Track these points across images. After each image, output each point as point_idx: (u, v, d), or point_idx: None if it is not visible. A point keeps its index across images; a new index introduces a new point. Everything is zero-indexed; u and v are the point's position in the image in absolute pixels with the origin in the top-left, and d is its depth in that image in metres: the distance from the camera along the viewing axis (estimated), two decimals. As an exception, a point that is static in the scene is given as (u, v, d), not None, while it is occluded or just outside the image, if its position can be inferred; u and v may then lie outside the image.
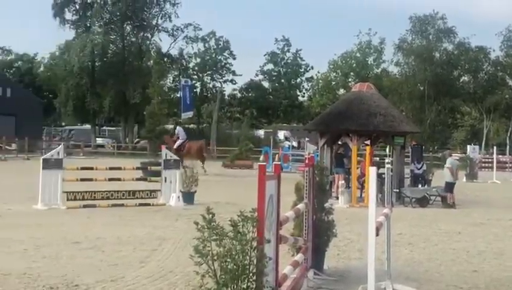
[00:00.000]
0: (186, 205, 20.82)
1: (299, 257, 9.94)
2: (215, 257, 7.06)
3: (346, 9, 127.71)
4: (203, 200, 20.66)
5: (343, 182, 23.63)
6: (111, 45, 72.02)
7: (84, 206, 19.73)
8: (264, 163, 7.69)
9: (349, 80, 77.02)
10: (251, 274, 7.08)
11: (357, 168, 24.90)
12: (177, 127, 38.40)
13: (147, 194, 21.33)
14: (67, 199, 19.77)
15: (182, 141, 37.22)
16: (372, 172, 8.20)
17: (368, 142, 25.81)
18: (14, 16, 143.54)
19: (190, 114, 65.62)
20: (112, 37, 71.67)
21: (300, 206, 10.09)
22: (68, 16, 71.38)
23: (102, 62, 70.99)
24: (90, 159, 48.88)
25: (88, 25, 71.26)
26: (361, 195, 24.05)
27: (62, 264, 11.68)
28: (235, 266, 7.05)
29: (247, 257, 7.06)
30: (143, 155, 46.43)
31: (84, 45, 66.68)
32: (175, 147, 35.91)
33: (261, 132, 73.69)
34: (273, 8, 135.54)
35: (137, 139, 71.97)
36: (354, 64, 78.66)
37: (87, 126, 78.04)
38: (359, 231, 15.44)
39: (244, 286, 7.04)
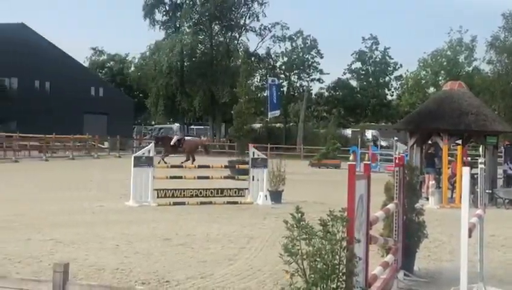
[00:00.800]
0: (273, 204, 20.84)
1: (389, 257, 9.82)
2: (305, 256, 7.04)
3: (436, 7, 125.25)
4: (290, 199, 20.66)
5: (433, 182, 23.24)
6: (199, 45, 72.93)
7: (174, 203, 20.03)
8: (354, 162, 7.64)
9: (440, 78, 75.45)
10: (341, 274, 7.03)
11: (448, 168, 24.41)
12: (174, 125, 40.63)
13: (235, 193, 21.46)
14: (158, 197, 20.12)
15: (178, 138, 39.87)
16: (465, 172, 8.02)
17: (459, 141, 25.26)
18: (106, 17, 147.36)
19: (276, 113, 66.10)
20: (200, 37, 72.55)
21: (390, 206, 9.96)
22: (158, 16, 72.74)
23: (191, 62, 71.92)
24: (178, 158, 49.53)
25: (177, 25, 72.33)
26: (452, 196, 23.58)
27: (153, 260, 11.90)
28: (324, 266, 7.02)
29: (337, 257, 7.02)
30: (230, 154, 46.79)
31: (173, 45, 67.71)
32: (171, 143, 39.24)
33: (348, 131, 73.15)
34: (361, 6, 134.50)
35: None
36: (445, 63, 77.06)
37: (176, 125, 79.21)
38: (450, 232, 15.15)
39: (334, 286, 7.00)
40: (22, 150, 44.61)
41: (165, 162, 35.64)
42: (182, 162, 35.09)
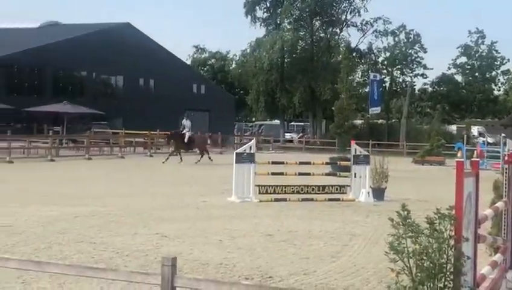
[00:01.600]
0: (376, 201, 20.61)
1: (497, 257, 9.56)
2: (411, 255, 6.95)
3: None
4: (393, 197, 20.43)
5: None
6: (300, 41, 72.86)
7: (275, 199, 20.09)
8: (462, 159, 7.48)
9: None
10: (448, 273, 6.91)
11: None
12: (184, 120, 38.60)
13: (337, 189, 21.30)
14: (259, 193, 20.25)
15: (190, 134, 37.98)
16: None
17: None
18: (207, 15, 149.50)
19: (378, 109, 65.39)
20: (301, 33, 72.49)
21: (499, 204, 9.69)
22: (259, 14, 73.13)
23: (292, 58, 72.00)
24: (279, 154, 49.79)
25: (278, 22, 72.55)
26: None
27: (256, 255, 12.01)
28: (431, 264, 6.91)
29: (444, 256, 6.90)
30: (332, 150, 46.63)
31: (274, 42, 67.99)
32: (186, 140, 37.32)
33: (453, 127, 71.62)
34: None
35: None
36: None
37: (276, 121, 79.56)
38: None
39: (441, 285, 6.89)
40: (127, 146, 45.82)
41: (181, 158, 36.56)
42: (199, 160, 36.60)
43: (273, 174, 21.27)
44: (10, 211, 16.42)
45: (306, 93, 69.89)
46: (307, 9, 70.20)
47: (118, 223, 15.10)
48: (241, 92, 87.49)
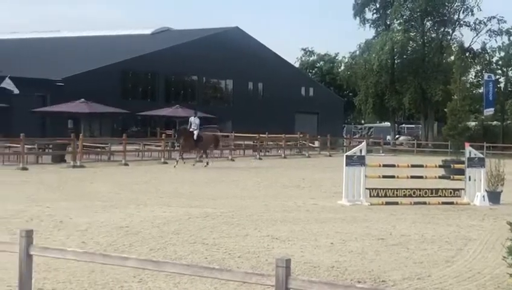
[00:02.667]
0: (491, 205, 20.04)
1: None
2: (532, 260, 6.76)
3: None
4: (509, 201, 19.86)
5: None
6: (410, 42, 71.82)
7: (386, 203, 19.86)
8: None
9: None
10: None
11: None
12: (192, 118, 35.79)
13: (450, 193, 20.86)
14: (370, 196, 20.08)
15: (199, 132, 35.44)
16: None
17: None
18: (315, 18, 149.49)
19: (492, 110, 63.65)
20: (411, 34, 71.46)
21: None
22: (368, 15, 72.62)
23: (402, 59, 71.11)
24: (389, 157, 49.18)
25: (387, 23, 71.81)
26: None
27: (368, 259, 11.90)
28: (553, 270, 6.69)
29: None
30: (444, 153, 45.69)
31: (383, 43, 67.27)
32: (195, 138, 34.72)
33: None
34: None
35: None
36: None
37: (386, 124, 78.68)
38: None
39: None
40: (237, 149, 46.35)
41: (183, 159, 34.35)
42: (207, 162, 35.00)
43: (384, 177, 21.09)
44: (127, 212, 16.92)
45: (417, 94, 68.77)
46: (418, 10, 69.11)
47: (229, 224, 15.29)
48: (350, 94, 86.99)
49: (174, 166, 32.92)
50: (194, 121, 35.29)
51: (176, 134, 35.93)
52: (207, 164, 34.68)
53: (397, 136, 73.86)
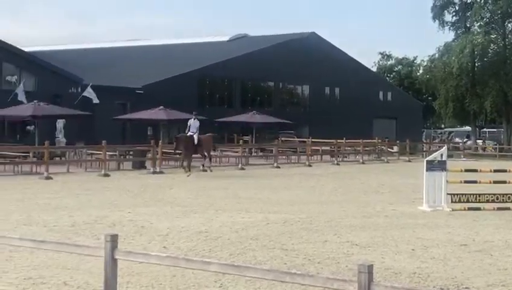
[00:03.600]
0: None
1: None
2: None
3: None
4: None
5: None
6: (491, 45, 70.21)
7: (469, 208, 19.51)
8: None
9: None
10: None
11: None
12: (192, 120, 31.79)
13: (536, 199, 20.40)
14: (451, 201, 19.75)
15: (198, 136, 31.43)
16: None
17: None
18: (393, 21, 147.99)
19: None
20: (492, 36, 69.86)
21: None
22: (447, 17, 71.24)
23: (483, 62, 69.56)
24: (471, 162, 48.19)
25: (467, 25, 70.42)
26: None
27: (450, 265, 11.72)
28: None
29: None
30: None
31: (463, 46, 65.98)
32: (196, 142, 30.94)
33: None
34: None
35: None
36: None
37: (467, 128, 77.17)
38: None
39: None
40: (314, 154, 46.21)
41: (189, 168, 30.55)
42: (209, 166, 32.61)
43: (465, 182, 20.72)
44: (206, 217, 17.10)
45: (498, 98, 67.18)
46: (499, 12, 67.57)
47: (308, 230, 15.28)
48: (429, 98, 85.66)
49: (188, 175, 29.80)
50: (194, 124, 31.56)
51: (175, 141, 31.88)
52: (211, 170, 32.53)
53: (465, 139, 72.30)
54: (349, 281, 5.94)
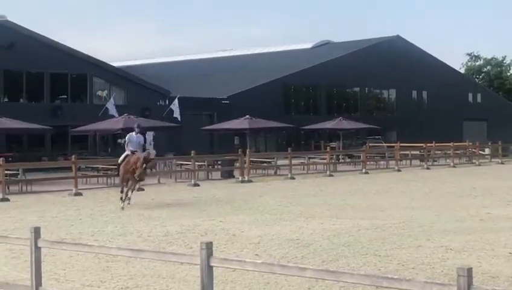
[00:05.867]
0: None
1: None
2: None
3: None
4: None
5: None
6: None
7: None
8: None
9: None
10: None
11: None
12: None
13: None
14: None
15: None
16: None
17: None
18: (480, 21, 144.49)
19: None
20: None
21: None
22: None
23: None
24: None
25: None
26: None
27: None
28: None
29: None
30: None
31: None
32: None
33: None
34: None
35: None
36: None
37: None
38: None
39: None
40: (403, 159, 45.62)
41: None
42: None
43: None
44: (297, 225, 17.12)
45: None
46: None
47: (400, 235, 15.11)
48: None
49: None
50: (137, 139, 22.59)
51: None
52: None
53: None
54: (448, 284, 5.87)
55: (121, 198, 21.31)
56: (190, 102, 47.35)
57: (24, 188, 28.22)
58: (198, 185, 30.43)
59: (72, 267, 11.82)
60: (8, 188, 26.48)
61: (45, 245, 8.98)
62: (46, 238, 9.45)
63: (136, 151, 21.75)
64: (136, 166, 21.11)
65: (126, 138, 22.36)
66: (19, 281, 10.06)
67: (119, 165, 22.14)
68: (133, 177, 21.35)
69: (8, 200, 24.50)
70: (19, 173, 29.23)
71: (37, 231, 8.70)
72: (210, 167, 36.60)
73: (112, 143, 45.60)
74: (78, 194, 26.23)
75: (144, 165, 21.22)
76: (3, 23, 43.32)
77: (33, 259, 8.67)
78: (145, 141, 23.66)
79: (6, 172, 26.75)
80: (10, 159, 32.00)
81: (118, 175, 22.81)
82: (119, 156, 22.66)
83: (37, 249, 8.69)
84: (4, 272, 11.40)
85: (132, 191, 21.89)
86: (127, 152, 21.88)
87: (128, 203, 21.29)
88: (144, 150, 23.42)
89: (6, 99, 44.33)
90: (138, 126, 22.72)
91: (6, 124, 34.12)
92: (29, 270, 8.78)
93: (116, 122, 38.06)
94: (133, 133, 22.19)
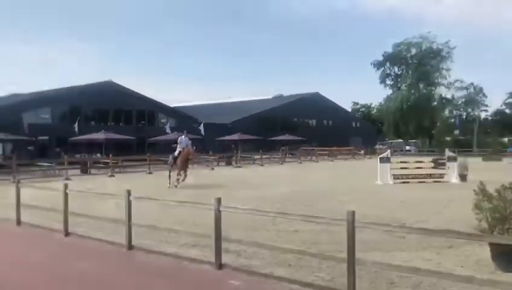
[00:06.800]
0: (461, 182, 18.99)
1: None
2: (487, 210, 6.55)
3: None
4: (472, 179, 18.61)
5: None
6: (412, 96, 67.56)
7: (403, 182, 19.04)
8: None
9: None
10: (510, 220, 6.42)
11: None
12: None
13: (438, 176, 19.98)
14: (393, 178, 19.28)
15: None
16: None
17: None
18: (359, 83, 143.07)
19: (458, 131, 59.59)
20: (412, 91, 67.31)
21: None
22: (388, 82, 69.44)
23: (407, 105, 66.76)
24: (403, 157, 46.98)
25: (398, 86, 68.56)
26: None
27: (394, 212, 11.49)
28: (500, 216, 6.46)
29: (508, 210, 6.42)
30: (434, 154, 43.23)
31: (397, 96, 64.43)
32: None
33: (505, 139, 63.18)
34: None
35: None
36: None
37: (400, 140, 75.07)
38: None
39: (506, 227, 6.41)
40: (319, 156, 44.13)
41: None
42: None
43: (401, 168, 20.37)
44: (263, 190, 16.80)
45: (416, 123, 64.82)
46: (415, 78, 65.50)
47: (317, 195, 14.90)
48: (379, 124, 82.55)
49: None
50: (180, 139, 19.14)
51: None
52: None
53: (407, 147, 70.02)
54: (343, 219, 6.01)
55: (178, 179, 17.87)
56: (210, 125, 47.11)
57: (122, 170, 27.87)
58: (213, 169, 30.18)
59: (145, 211, 11.67)
60: (114, 169, 26.01)
61: (133, 200, 8.91)
62: (134, 195, 9.44)
63: (184, 148, 18.56)
64: (190, 157, 18.41)
65: (178, 140, 19.25)
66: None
67: (175, 157, 18.55)
68: (187, 165, 18.54)
69: (113, 176, 24.16)
70: (119, 162, 28.64)
71: (129, 192, 8.21)
72: (219, 159, 36.19)
73: (170, 148, 45.00)
74: (149, 173, 25.88)
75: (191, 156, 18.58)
76: (110, 83, 43.28)
77: (126, 207, 8.19)
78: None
79: (113, 162, 26.47)
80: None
81: (175, 164, 18.51)
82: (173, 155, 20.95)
83: (129, 201, 8.14)
84: (110, 214, 11.38)
85: (185, 175, 18.18)
86: (179, 149, 18.59)
87: (177, 185, 17.59)
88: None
89: (112, 123, 43.88)
90: (186, 132, 19.77)
91: (114, 136, 34.12)
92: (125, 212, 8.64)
93: (171, 136, 38.24)
94: (183, 136, 19.22)
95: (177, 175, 18.17)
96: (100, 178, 22.75)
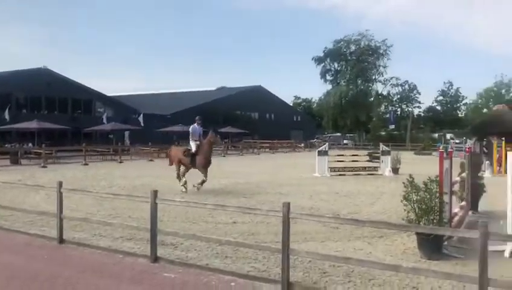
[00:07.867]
0: (394, 175, 19.86)
1: (463, 203, 9.18)
2: (415, 202, 6.86)
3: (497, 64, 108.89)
4: (403, 172, 19.54)
5: (488, 162, 21.01)
6: (350, 91, 69.41)
7: (339, 175, 19.55)
8: (442, 150, 7.29)
9: (490, 104, 67.51)
10: (436, 211, 6.77)
11: (497, 153, 21.90)
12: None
13: (372, 169, 20.78)
14: (330, 171, 19.75)
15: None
16: (509, 155, 7.26)
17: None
18: (300, 77, 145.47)
19: (393, 126, 62.67)
20: (350, 86, 69.40)
21: (463, 175, 9.31)
22: (328, 77, 70.69)
23: (345, 100, 68.71)
24: (340, 151, 48.54)
25: (338, 81, 70.12)
26: (499, 169, 21.14)
27: (330, 203, 11.85)
28: (426, 207, 6.79)
29: (433, 202, 6.76)
30: (369, 148, 45.11)
31: (336, 91, 65.94)
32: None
33: (435, 135, 67.43)
34: (443, 60, 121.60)
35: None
36: (493, 94, 68.69)
37: (338, 134, 77.35)
38: (498, 190, 13.63)
39: (432, 218, 6.75)
40: (261, 148, 44.59)
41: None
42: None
43: (337, 161, 20.94)
44: (216, 180, 16.65)
45: (354, 118, 67.17)
46: (354, 74, 67.74)
47: (257, 187, 14.97)
48: (319, 119, 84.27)
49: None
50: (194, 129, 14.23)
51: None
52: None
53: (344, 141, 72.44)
54: (279, 211, 6.05)
55: (202, 182, 13.55)
56: (149, 116, 45.80)
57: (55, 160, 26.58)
58: (152, 160, 29.14)
59: (82, 203, 11.30)
60: (47, 160, 24.85)
61: (64, 192, 8.53)
62: (65, 187, 8.99)
63: (197, 141, 13.68)
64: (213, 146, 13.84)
65: (190, 129, 13.96)
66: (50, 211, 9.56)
67: (193, 154, 13.61)
68: (210, 162, 13.75)
69: (46, 167, 23.00)
70: (52, 153, 27.44)
71: (60, 184, 7.97)
72: (159, 151, 34.89)
73: (105, 138, 43.30)
74: (85, 164, 24.90)
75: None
76: (45, 70, 40.76)
77: (58, 199, 7.96)
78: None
79: (46, 152, 25.21)
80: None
81: (192, 163, 13.73)
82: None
83: (60, 193, 7.85)
84: (40, 207, 10.81)
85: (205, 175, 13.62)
86: (195, 142, 13.69)
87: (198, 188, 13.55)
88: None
89: (46, 112, 41.45)
90: (199, 119, 14.06)
91: (48, 125, 32.24)
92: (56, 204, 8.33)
93: (107, 126, 36.94)
94: (195, 124, 13.94)
95: (182, 175, 13.81)
96: (31, 169, 21.42)
